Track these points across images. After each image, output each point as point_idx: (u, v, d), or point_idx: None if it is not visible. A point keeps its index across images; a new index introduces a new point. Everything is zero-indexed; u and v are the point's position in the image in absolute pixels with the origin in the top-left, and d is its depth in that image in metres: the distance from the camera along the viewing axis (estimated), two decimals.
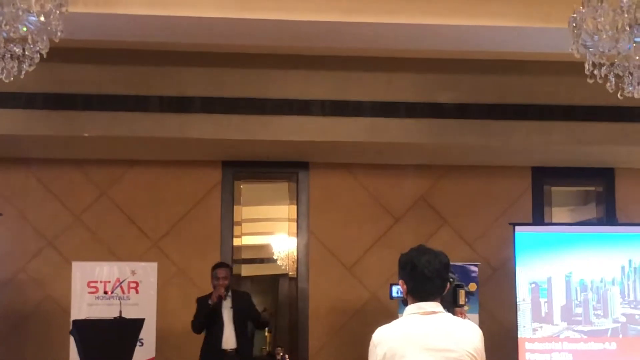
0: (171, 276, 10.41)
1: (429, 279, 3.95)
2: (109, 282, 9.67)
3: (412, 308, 4.01)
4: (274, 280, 14.28)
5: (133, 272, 9.76)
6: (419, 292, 3.99)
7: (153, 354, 9.60)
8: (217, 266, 9.29)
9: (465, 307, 9.33)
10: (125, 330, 8.69)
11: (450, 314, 4.11)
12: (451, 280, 4.05)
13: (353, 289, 10.68)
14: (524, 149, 10.07)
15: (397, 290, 4.83)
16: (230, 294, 9.19)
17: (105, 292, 9.56)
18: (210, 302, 9.02)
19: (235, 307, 9.14)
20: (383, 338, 3.97)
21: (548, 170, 10.97)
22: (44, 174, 10.57)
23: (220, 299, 9.07)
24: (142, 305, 9.58)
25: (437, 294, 4.00)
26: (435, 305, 3.98)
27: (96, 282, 9.65)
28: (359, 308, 10.52)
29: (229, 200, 10.82)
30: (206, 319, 9.05)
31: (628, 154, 10.36)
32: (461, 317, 4.25)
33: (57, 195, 10.55)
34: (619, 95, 5.47)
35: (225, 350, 8.97)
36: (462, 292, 4.33)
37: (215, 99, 9.42)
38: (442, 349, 3.87)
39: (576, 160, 10.60)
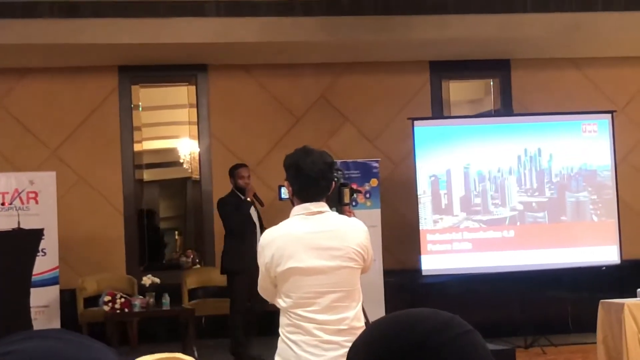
0: (72, 184, 10.29)
1: (314, 180, 3.99)
2: (7, 193, 9.53)
3: (298, 209, 4.06)
4: (182, 183, 14.22)
5: (31, 182, 9.63)
6: (304, 193, 4.04)
7: (57, 263, 9.56)
8: (238, 166, 9.32)
9: (361, 200, 9.49)
10: (24, 241, 8.63)
11: (336, 213, 4.18)
12: (336, 179, 4.09)
13: (258, 189, 10.70)
14: (421, 43, 10.12)
15: (285, 192, 4.87)
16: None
17: (3, 204, 9.42)
18: (248, 199, 9.05)
19: (257, 211, 9.24)
20: (270, 240, 4.02)
21: (445, 64, 11.05)
22: None
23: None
24: (43, 215, 9.48)
25: (322, 194, 4.05)
26: (320, 205, 4.04)
27: None
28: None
29: (128, 106, 10.68)
30: (247, 216, 9.05)
31: (522, 44, 10.49)
32: (349, 215, 4.31)
33: None
34: None
35: None
36: (346, 191, 4.39)
37: (105, 3, 9.22)
38: (328, 247, 3.95)
39: (473, 52, 10.70)
